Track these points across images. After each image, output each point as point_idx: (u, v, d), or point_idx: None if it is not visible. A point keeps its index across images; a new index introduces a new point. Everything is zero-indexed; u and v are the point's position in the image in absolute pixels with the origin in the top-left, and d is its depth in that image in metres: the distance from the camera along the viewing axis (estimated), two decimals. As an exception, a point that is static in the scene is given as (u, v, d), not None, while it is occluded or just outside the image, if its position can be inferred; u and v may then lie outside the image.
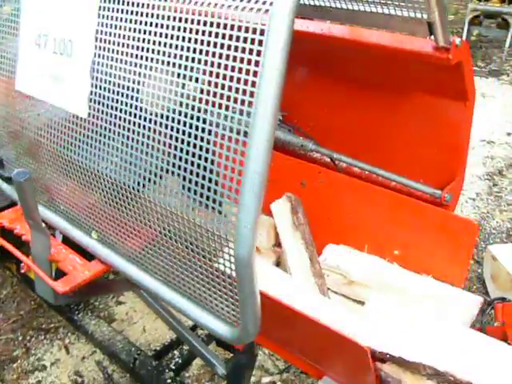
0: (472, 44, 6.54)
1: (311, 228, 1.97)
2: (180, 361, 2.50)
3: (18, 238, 1.83)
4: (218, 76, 1.10)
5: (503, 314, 1.68)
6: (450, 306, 1.65)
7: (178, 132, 1.23)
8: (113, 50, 1.42)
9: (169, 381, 2.33)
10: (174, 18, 1.21)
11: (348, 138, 2.03)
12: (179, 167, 1.21)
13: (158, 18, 1.24)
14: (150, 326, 2.80)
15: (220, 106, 1.13)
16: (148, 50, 1.32)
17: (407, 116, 1.87)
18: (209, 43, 1.10)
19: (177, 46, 1.24)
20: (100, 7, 1.38)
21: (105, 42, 1.43)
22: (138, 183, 1.42)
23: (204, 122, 1.18)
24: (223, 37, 1.06)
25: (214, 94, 1.11)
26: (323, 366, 1.61)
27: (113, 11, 1.35)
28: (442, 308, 1.63)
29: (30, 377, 2.62)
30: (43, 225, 1.70)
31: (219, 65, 1.07)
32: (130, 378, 2.53)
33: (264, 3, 1.02)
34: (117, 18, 1.35)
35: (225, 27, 1.06)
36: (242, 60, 1.08)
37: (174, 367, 2.45)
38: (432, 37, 1.54)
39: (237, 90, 1.07)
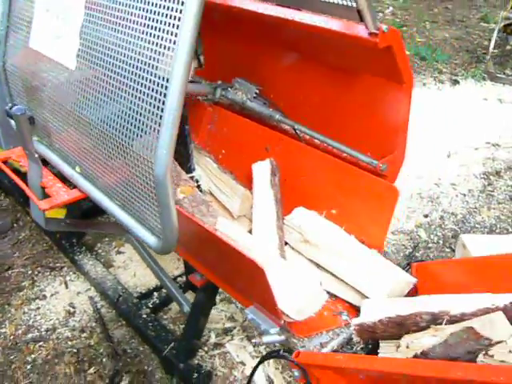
0: (506, 53, 6.62)
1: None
2: (158, 301, 2.84)
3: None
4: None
5: (416, 271, 1.93)
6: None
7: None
8: (97, 17, 1.77)
9: (144, 316, 2.67)
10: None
11: (310, 111, 2.31)
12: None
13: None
14: (140, 273, 3.13)
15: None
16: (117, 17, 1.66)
17: (356, 94, 2.13)
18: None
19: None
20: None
21: (91, 10, 1.78)
22: (107, 124, 1.75)
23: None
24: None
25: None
26: (240, 291, 1.90)
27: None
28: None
29: (31, 303, 3.00)
30: (36, 155, 2.06)
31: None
32: (115, 313, 2.87)
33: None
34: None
35: None
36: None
37: (151, 306, 2.79)
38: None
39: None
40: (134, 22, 1.56)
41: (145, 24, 1.50)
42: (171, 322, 2.86)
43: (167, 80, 1.39)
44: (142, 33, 1.51)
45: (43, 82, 2.09)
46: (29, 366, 2.65)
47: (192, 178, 2.30)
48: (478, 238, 3.27)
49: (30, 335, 2.82)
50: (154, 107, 1.45)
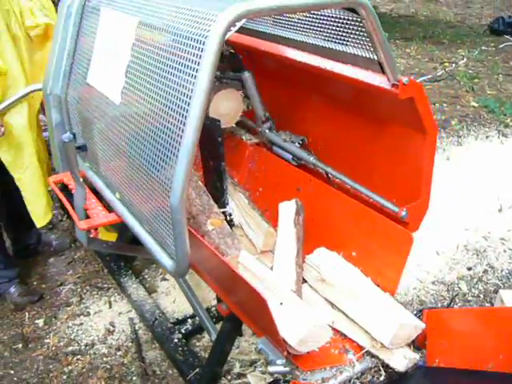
0: None
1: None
2: (190, 328, 2.96)
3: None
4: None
5: (427, 317, 1.96)
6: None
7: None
8: (137, 63, 1.98)
9: (175, 340, 2.80)
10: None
11: (342, 156, 2.41)
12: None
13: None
14: (180, 300, 3.27)
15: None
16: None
17: (383, 141, 2.21)
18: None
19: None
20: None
21: (134, 57, 1.99)
22: (140, 156, 1.94)
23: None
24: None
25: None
26: (254, 322, 2.00)
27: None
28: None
29: (76, 319, 3.21)
30: (81, 179, 2.26)
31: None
32: (150, 335, 3.01)
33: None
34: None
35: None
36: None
37: (183, 332, 2.91)
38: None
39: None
40: (162, 69, 1.74)
41: (170, 72, 1.69)
42: (203, 349, 2.97)
43: (184, 123, 1.55)
44: (168, 79, 1.69)
45: (95, 114, 2.32)
46: (65, 377, 2.83)
47: (224, 212, 2.44)
48: (516, 294, 3.22)
49: (70, 348, 3.01)
50: (173, 145, 1.61)
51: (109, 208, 2.28)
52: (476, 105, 6.57)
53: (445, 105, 6.53)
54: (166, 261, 1.79)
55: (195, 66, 1.54)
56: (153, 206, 1.84)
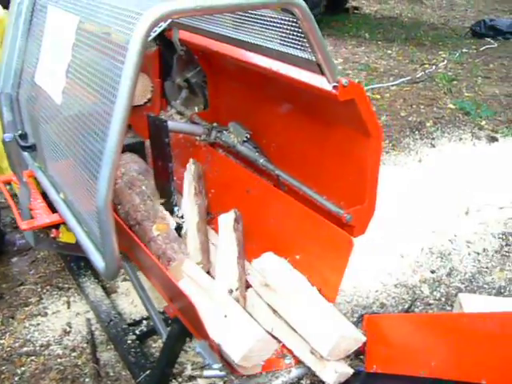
0: None
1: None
2: (145, 330, 2.94)
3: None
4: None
5: (367, 323, 1.95)
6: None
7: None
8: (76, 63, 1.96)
9: (129, 341, 2.77)
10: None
11: (292, 158, 2.40)
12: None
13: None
14: (138, 301, 3.23)
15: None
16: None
17: (330, 144, 2.20)
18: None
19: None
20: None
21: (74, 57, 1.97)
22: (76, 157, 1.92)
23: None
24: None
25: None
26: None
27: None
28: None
29: (33, 319, 3.18)
30: (24, 179, 2.24)
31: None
32: (106, 336, 2.99)
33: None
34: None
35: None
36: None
37: (138, 333, 2.89)
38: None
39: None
40: (96, 69, 1.73)
41: (102, 72, 1.67)
42: (158, 350, 2.94)
43: (108, 124, 1.53)
44: (99, 80, 1.68)
45: (41, 113, 2.29)
46: (16, 378, 2.79)
47: (173, 213, 2.42)
48: (477, 298, 3.22)
49: (24, 349, 2.98)
50: (99, 146, 1.59)
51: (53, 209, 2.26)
52: (453, 107, 6.59)
53: (422, 107, 6.54)
54: (99, 262, 1.77)
55: (120, 66, 1.52)
56: (87, 206, 1.82)
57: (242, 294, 2.14)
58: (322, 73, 1.87)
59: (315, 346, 1.87)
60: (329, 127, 2.20)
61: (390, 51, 9.07)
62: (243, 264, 2.23)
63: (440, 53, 8.99)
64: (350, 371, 1.83)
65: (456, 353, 1.63)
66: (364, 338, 1.87)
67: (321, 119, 2.23)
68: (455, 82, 7.52)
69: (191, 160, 2.44)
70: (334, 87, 1.87)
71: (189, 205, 2.39)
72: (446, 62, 8.49)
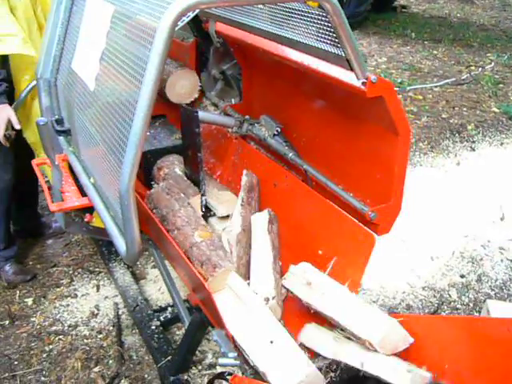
0: None
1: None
2: (169, 316, 2.99)
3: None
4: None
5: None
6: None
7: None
8: (110, 51, 2.00)
9: (153, 327, 2.82)
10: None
11: (321, 154, 2.39)
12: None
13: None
14: (165, 289, 3.30)
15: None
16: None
17: (359, 141, 2.18)
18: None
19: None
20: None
21: (108, 44, 2.01)
22: (105, 142, 1.96)
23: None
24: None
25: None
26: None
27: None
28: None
29: (63, 300, 3.27)
30: (57, 163, 2.30)
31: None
32: (132, 321, 3.05)
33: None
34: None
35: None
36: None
37: (162, 319, 2.94)
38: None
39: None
40: (127, 57, 1.76)
41: (132, 61, 1.70)
42: (181, 338, 2.99)
43: (134, 110, 1.57)
44: (130, 68, 1.71)
45: (76, 99, 2.35)
46: (44, 355, 2.89)
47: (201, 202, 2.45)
48: (506, 305, 3.15)
49: (53, 328, 3.07)
50: (124, 131, 1.62)
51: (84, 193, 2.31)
52: (497, 110, 6.44)
53: (464, 109, 6.41)
54: (122, 246, 1.81)
55: (148, 54, 1.55)
56: (113, 191, 1.86)
57: (278, 303, 2.12)
58: (351, 68, 1.86)
59: (366, 337, 1.78)
60: (357, 124, 2.19)
61: (435, 51, 8.91)
62: (279, 269, 2.21)
63: (488, 55, 8.79)
64: (427, 374, 1.71)
65: (469, 358, 1.60)
66: (411, 339, 1.79)
67: (350, 116, 2.22)
68: (501, 86, 7.35)
69: (245, 171, 2.43)
70: (363, 83, 1.85)
71: (234, 216, 2.39)
72: (493, 64, 8.30)
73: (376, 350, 1.74)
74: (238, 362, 1.86)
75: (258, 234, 2.36)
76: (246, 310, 1.98)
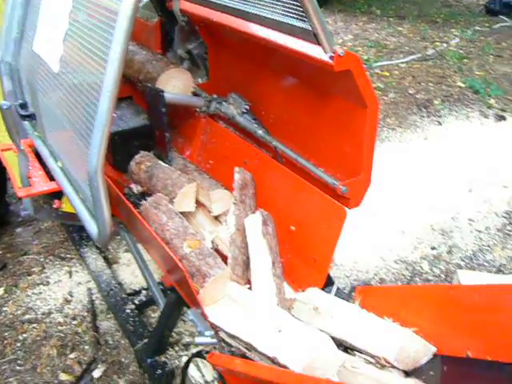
0: None
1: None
2: (144, 299, 2.98)
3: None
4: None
5: (359, 294, 1.96)
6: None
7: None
8: (73, 31, 1.95)
9: (128, 311, 2.80)
10: None
11: (291, 130, 2.39)
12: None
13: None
14: (139, 272, 3.28)
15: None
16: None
17: (327, 115, 2.18)
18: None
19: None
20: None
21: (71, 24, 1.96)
22: (72, 125, 1.93)
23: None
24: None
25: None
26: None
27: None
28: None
29: (35, 288, 3.23)
30: (22, 147, 2.25)
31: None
32: (106, 306, 3.03)
33: None
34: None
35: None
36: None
37: (137, 303, 2.93)
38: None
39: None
40: (91, 37, 1.72)
41: (96, 40, 1.67)
42: (157, 320, 2.98)
43: (100, 90, 1.54)
44: (93, 47, 1.68)
45: (40, 82, 2.30)
46: (19, 344, 2.85)
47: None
48: (476, 275, 3.22)
49: (27, 316, 3.03)
50: (91, 111, 1.59)
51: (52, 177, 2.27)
52: (462, 85, 6.52)
53: (430, 84, 6.47)
54: (93, 229, 1.79)
55: (112, 32, 1.52)
56: (81, 174, 1.83)
57: (281, 304, 2.04)
58: (319, 43, 1.85)
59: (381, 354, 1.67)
60: (326, 99, 2.19)
61: (401, 28, 8.96)
62: (280, 273, 2.14)
63: (452, 30, 8.87)
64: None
65: (442, 324, 1.64)
66: (434, 348, 1.68)
67: (319, 91, 2.21)
68: (466, 61, 7.43)
69: (236, 168, 2.35)
70: (331, 57, 1.85)
71: (228, 216, 2.29)
72: (457, 39, 8.38)
73: (395, 367, 1.64)
74: (214, 341, 1.87)
75: (252, 238, 2.22)
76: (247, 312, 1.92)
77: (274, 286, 2.08)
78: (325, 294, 2.04)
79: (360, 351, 1.74)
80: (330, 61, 1.85)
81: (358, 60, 1.90)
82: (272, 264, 2.14)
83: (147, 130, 2.60)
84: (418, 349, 1.66)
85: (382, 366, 1.66)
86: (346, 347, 1.81)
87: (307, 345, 1.68)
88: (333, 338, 1.77)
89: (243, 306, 1.94)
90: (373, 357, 1.69)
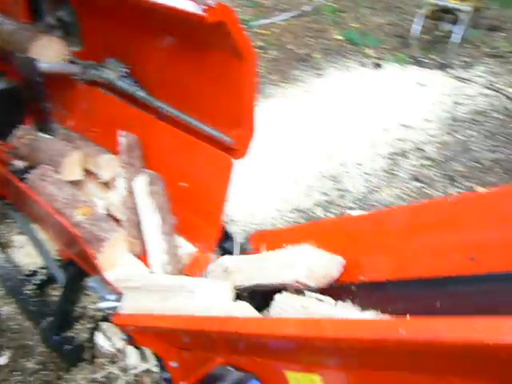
0: (436, 39, 6.73)
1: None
2: (43, 278, 2.89)
3: None
4: None
5: (253, 240, 2.03)
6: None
7: None
8: None
9: (27, 292, 2.71)
10: None
11: (173, 90, 2.38)
12: None
13: None
14: (35, 253, 3.17)
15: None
16: None
17: (207, 70, 2.19)
18: None
19: None
20: None
21: None
22: None
23: None
24: None
25: None
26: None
27: None
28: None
29: None
30: None
31: None
32: (4, 291, 2.92)
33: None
34: None
35: None
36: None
37: (37, 283, 2.84)
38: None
39: None
40: None
41: None
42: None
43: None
44: None
45: None
46: None
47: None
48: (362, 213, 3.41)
49: None
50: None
51: None
52: (340, 38, 6.74)
53: (309, 39, 6.64)
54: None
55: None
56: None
57: (176, 267, 2.08)
58: (191, -6, 1.85)
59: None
60: (205, 54, 2.19)
61: (276, -14, 9.05)
62: (169, 231, 2.16)
63: (326, -15, 9.08)
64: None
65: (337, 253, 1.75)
66: (341, 259, 1.75)
67: (197, 47, 2.21)
68: (342, 14, 7.67)
69: (121, 132, 2.29)
70: (203, 10, 1.86)
71: (117, 180, 2.27)
72: (332, -6, 8.60)
73: (310, 286, 1.69)
74: (119, 304, 1.87)
75: (140, 199, 2.24)
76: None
77: (165, 244, 2.12)
78: (231, 256, 2.07)
79: (278, 288, 1.77)
80: (203, 13, 1.85)
81: (230, 11, 1.91)
82: (162, 222, 2.17)
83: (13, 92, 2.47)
84: (326, 262, 1.72)
85: (300, 292, 1.70)
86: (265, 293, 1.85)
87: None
88: (250, 289, 1.83)
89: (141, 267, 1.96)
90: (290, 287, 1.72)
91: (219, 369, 1.59)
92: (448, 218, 1.59)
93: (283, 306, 1.66)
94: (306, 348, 1.24)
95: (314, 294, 1.64)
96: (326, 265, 1.73)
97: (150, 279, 1.91)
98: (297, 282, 1.68)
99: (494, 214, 1.47)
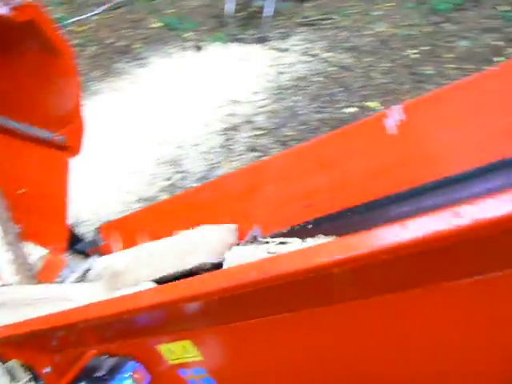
0: (251, 15, 6.94)
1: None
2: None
3: None
4: None
5: (103, 232, 2.05)
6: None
7: None
8: None
9: None
10: None
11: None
12: None
13: None
14: None
15: None
16: None
17: (25, 72, 2.15)
18: None
19: None
20: None
21: None
22: None
23: None
24: None
25: None
26: None
27: None
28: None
29: None
30: None
31: None
32: None
33: None
34: None
35: None
36: None
37: None
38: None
39: None
40: None
41: None
42: None
43: None
44: None
45: None
46: None
47: None
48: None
49: None
50: None
51: None
52: (158, 25, 6.76)
53: (127, 30, 6.59)
54: None
55: None
56: None
57: (26, 276, 2.01)
58: (-4, -2, 1.80)
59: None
60: (22, 56, 2.14)
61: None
62: (15, 241, 2.07)
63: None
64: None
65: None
66: (234, 225, 1.84)
67: (12, 50, 2.15)
68: (157, 1, 7.66)
69: None
70: (9, 9, 1.82)
71: None
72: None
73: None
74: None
75: None
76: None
77: (11, 255, 2.06)
78: (112, 256, 2.05)
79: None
80: (10, 12, 1.82)
81: (37, 8, 1.90)
82: (3, 234, 2.10)
83: None
84: (222, 235, 1.80)
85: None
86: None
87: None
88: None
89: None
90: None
91: (93, 360, 1.61)
92: (282, 174, 1.77)
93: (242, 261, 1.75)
94: (168, 316, 1.31)
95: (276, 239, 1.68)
96: (223, 238, 1.80)
97: (16, 293, 1.87)
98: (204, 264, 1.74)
99: (317, 163, 1.66)
